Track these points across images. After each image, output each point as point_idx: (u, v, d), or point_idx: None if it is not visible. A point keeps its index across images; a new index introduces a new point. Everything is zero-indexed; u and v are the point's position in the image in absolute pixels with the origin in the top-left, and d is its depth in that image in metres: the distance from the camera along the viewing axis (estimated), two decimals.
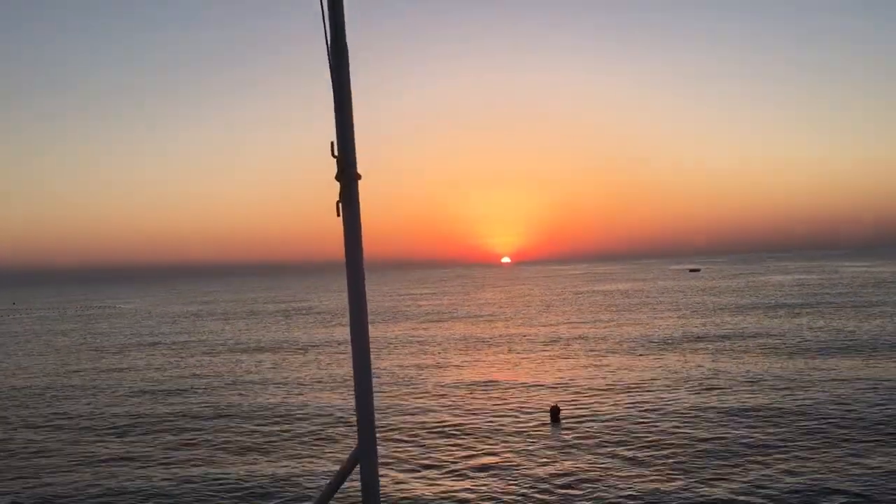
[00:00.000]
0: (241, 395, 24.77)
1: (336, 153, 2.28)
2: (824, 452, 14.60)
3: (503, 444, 16.40)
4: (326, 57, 2.28)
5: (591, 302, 67.49)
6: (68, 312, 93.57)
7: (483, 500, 12.73)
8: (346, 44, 2.27)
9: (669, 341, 33.88)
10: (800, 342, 31.35)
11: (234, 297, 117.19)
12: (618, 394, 21.57)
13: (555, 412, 18.98)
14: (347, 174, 2.28)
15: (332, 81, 2.28)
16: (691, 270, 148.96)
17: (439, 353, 34.32)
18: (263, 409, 21.87)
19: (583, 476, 13.70)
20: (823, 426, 16.69)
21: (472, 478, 14.00)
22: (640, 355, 29.80)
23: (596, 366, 27.54)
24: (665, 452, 15.04)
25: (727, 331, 37.06)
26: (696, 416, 18.17)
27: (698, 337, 34.98)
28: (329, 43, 2.27)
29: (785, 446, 15.11)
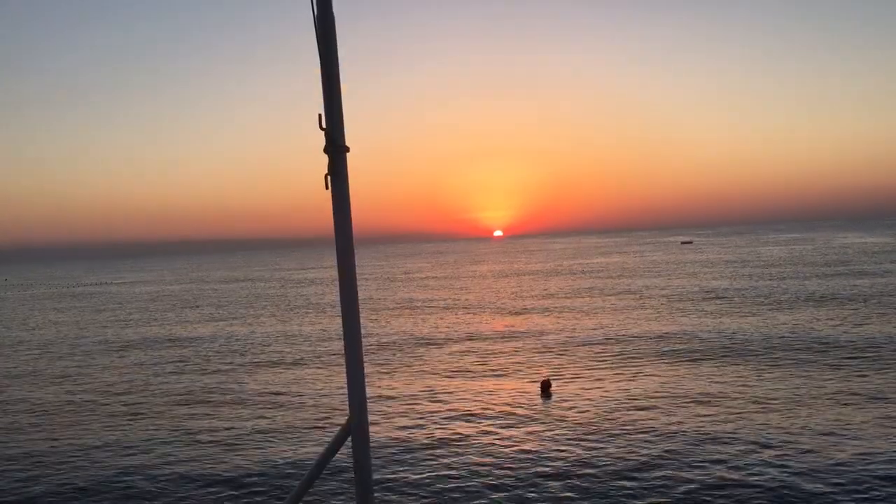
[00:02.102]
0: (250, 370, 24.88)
1: (324, 126, 2.23)
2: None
3: (492, 417, 16.50)
4: (313, 28, 2.22)
5: (581, 277, 67.65)
6: (59, 291, 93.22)
7: (469, 468, 12.83)
8: (332, 13, 2.22)
9: (658, 318, 34.06)
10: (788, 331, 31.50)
11: (227, 274, 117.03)
12: (609, 372, 21.73)
13: (545, 386, 19.11)
14: (336, 147, 2.24)
15: (320, 52, 2.22)
16: (683, 243, 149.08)
17: (431, 328, 34.40)
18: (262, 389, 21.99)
19: (569, 451, 13.82)
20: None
21: (459, 448, 14.10)
22: (631, 334, 29.99)
23: (587, 344, 27.74)
24: (652, 432, 15.19)
25: (717, 309, 37.28)
26: (684, 397, 18.34)
27: (689, 313, 35.18)
28: (316, 13, 2.22)
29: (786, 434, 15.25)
